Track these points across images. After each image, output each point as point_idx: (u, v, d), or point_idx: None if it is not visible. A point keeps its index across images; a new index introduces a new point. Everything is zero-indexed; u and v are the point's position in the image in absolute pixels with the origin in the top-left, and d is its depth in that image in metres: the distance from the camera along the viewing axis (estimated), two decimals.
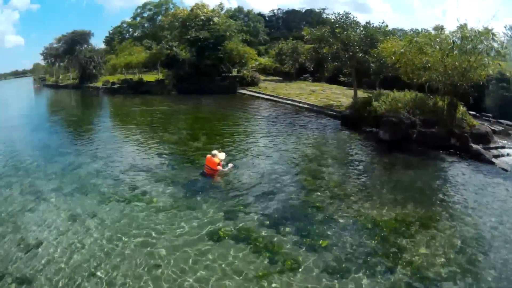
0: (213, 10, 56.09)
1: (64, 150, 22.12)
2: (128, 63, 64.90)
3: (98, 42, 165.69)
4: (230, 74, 52.16)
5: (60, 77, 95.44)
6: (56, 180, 16.21)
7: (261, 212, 12.62)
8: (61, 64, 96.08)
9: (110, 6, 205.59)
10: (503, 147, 24.04)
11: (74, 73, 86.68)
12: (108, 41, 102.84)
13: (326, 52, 37.39)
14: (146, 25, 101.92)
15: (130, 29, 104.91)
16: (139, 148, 21.64)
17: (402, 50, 26.74)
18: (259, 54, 71.77)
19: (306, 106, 36.94)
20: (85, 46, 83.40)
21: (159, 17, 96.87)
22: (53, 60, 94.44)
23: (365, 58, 34.53)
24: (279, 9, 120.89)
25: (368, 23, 36.30)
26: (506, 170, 19.62)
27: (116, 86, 59.93)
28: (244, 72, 52.56)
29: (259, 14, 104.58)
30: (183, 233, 11.21)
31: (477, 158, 21.05)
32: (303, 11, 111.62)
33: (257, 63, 63.16)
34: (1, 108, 53.27)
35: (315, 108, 35.76)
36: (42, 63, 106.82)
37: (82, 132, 29.33)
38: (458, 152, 22.09)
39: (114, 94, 57.31)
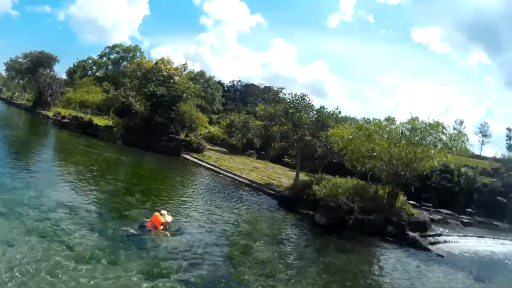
0: (176, 68, 56.03)
1: None
2: (83, 101, 64.71)
3: (61, 70, 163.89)
4: (178, 137, 52.29)
5: (15, 94, 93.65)
6: None
7: (184, 280, 12.24)
8: (21, 81, 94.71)
9: (83, 37, 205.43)
10: (440, 235, 25.53)
11: (30, 95, 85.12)
12: (70, 73, 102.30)
13: (275, 131, 38.43)
14: (110, 67, 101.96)
15: (94, 67, 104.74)
16: (73, 189, 20.94)
17: (350, 137, 27.58)
18: (211, 122, 72.62)
19: (246, 181, 37.01)
20: (48, 70, 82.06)
21: (124, 62, 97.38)
22: (14, 74, 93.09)
23: (313, 142, 35.56)
24: (239, 81, 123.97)
25: (322, 107, 37.31)
26: (442, 256, 20.79)
27: (65, 120, 58.86)
28: (192, 137, 52.50)
29: (219, 83, 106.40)
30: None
31: (413, 245, 22.09)
32: (262, 87, 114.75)
33: (206, 130, 63.41)
34: None
35: (254, 184, 35.85)
36: (3, 73, 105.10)
37: (22, 156, 28.69)
38: (394, 239, 22.84)
39: (61, 128, 55.91)
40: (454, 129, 25.97)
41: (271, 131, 40.61)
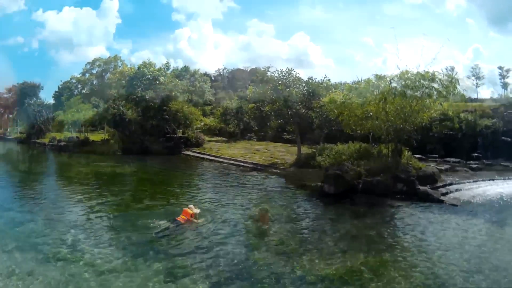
0: (159, 69, 55.99)
1: (6, 205, 21.40)
2: (75, 121, 64.64)
3: (47, 96, 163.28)
4: (175, 135, 52.23)
5: (8, 130, 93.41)
6: None
7: (205, 272, 12.35)
8: (10, 116, 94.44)
9: (61, 58, 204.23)
10: (450, 184, 25.39)
11: (22, 127, 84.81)
12: (57, 96, 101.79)
13: (269, 110, 38.79)
14: (94, 82, 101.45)
15: (79, 85, 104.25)
16: (83, 208, 21.01)
17: (343, 101, 27.56)
18: (205, 114, 72.43)
19: (250, 165, 37.20)
20: (34, 99, 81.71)
21: (108, 74, 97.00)
22: (2, 111, 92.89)
23: (308, 114, 35.74)
24: (224, 68, 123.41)
25: (310, 78, 37.67)
26: (456, 205, 20.79)
27: (62, 143, 58.90)
28: (189, 133, 52.77)
29: (205, 74, 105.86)
30: None
31: (426, 199, 22.02)
32: (248, 70, 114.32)
33: (202, 123, 63.13)
34: None
35: (259, 167, 36.07)
36: None
37: (26, 188, 28.62)
38: (406, 196, 22.80)
39: (60, 151, 56.05)
40: (446, 76, 25.43)
41: (265, 111, 40.48)
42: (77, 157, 49.14)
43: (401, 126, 26.36)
